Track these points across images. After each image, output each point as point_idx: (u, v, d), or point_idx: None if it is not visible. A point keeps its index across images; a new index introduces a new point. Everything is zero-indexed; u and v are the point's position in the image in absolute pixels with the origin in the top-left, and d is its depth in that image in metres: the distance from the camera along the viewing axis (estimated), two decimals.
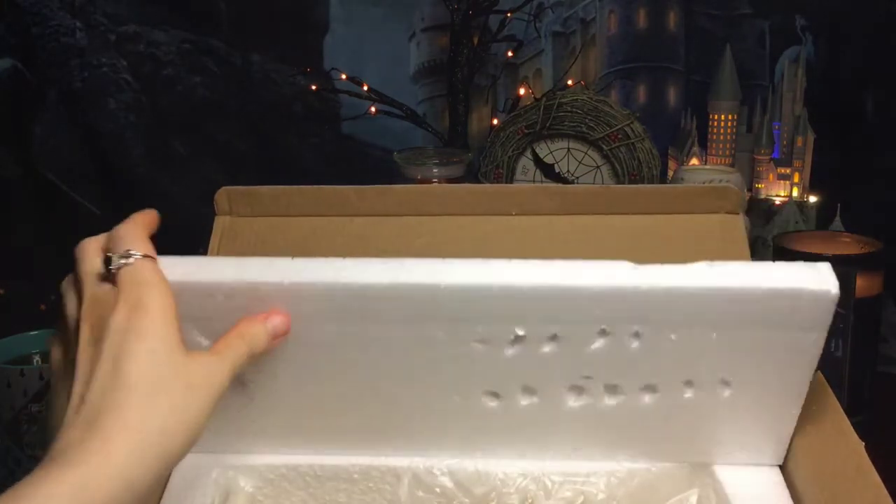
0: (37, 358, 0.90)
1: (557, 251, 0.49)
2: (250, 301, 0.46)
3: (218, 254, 0.59)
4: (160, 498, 0.52)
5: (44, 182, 1.23)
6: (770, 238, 1.11)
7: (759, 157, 1.22)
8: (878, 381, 0.97)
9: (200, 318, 0.46)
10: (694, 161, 1.26)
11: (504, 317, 0.48)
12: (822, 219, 1.17)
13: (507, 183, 1.19)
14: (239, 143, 1.33)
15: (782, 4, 1.24)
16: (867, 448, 0.49)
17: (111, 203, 1.26)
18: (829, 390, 0.53)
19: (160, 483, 0.51)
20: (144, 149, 1.28)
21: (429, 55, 1.35)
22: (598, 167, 1.17)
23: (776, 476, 0.54)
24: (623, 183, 1.14)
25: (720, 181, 1.09)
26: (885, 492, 0.46)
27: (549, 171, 1.19)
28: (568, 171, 1.19)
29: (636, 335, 0.49)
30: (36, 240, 1.23)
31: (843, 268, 0.90)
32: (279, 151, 1.34)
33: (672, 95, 1.35)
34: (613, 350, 0.49)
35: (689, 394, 0.51)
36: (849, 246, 0.99)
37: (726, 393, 0.51)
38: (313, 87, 1.30)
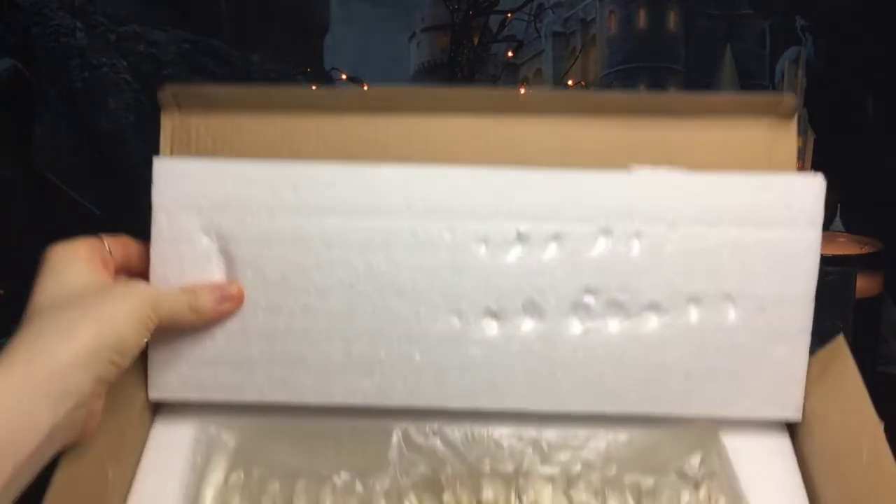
0: None
1: (577, 157, 0.51)
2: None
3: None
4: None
5: (44, 182, 1.23)
6: None
7: None
8: (879, 381, 0.97)
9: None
10: None
11: (505, 211, 0.49)
12: (823, 219, 1.17)
13: None
14: None
15: (782, 5, 1.24)
16: None
17: (110, 203, 1.26)
18: (849, 357, 0.50)
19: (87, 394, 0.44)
20: (144, 148, 1.29)
21: (429, 55, 1.36)
22: None
23: (784, 443, 0.52)
24: None
25: None
26: None
27: None
28: None
29: (637, 235, 0.50)
30: (36, 240, 1.23)
31: (843, 268, 0.91)
32: None
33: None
34: (616, 255, 0.50)
35: (694, 315, 0.50)
36: (849, 246, 0.99)
37: (731, 315, 0.50)
38: (313, 88, 1.30)
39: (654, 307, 0.50)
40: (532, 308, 0.50)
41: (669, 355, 0.50)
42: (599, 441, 0.52)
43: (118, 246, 0.48)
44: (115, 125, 1.22)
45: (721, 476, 0.51)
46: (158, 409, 0.52)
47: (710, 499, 0.51)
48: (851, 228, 1.10)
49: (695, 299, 0.50)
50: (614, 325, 0.50)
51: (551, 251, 0.50)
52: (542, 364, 0.51)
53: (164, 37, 1.26)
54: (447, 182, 0.50)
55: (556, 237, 0.50)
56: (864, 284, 0.94)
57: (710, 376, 0.51)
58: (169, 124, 0.53)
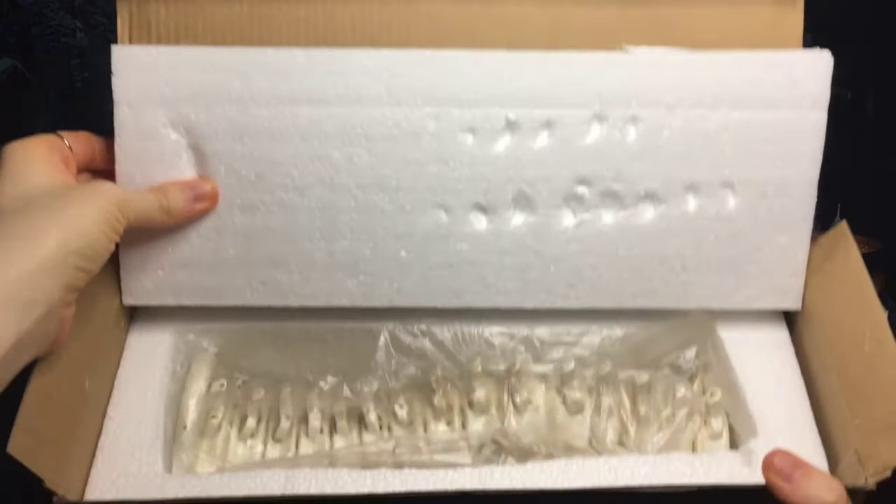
0: None
1: (562, 40, 0.48)
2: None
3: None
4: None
5: None
6: None
7: None
8: None
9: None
10: None
11: (494, 97, 0.47)
12: (823, 219, 1.16)
13: None
14: None
15: None
16: None
17: None
18: (852, 243, 0.49)
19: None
20: None
21: None
22: None
23: (783, 334, 0.51)
24: None
25: None
26: None
27: None
28: None
29: (633, 121, 0.47)
30: None
31: None
32: None
33: None
34: (611, 142, 0.47)
35: (692, 204, 0.48)
36: None
37: (731, 203, 0.48)
38: None
39: (651, 196, 0.48)
40: (523, 200, 0.48)
41: (666, 246, 0.49)
42: (593, 337, 0.50)
43: (79, 143, 0.45)
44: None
45: (717, 368, 0.50)
46: (134, 315, 0.50)
47: (704, 391, 0.49)
48: (852, 229, 1.08)
49: (693, 187, 0.48)
50: (609, 217, 0.49)
51: (542, 139, 0.48)
52: (534, 259, 0.49)
53: None
54: (431, 67, 0.47)
55: (548, 124, 0.48)
56: None
57: (708, 267, 0.49)
58: (126, 12, 0.49)
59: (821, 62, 0.47)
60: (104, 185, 0.42)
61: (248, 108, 0.46)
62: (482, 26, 0.49)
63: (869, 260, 0.92)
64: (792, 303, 0.50)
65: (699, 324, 0.50)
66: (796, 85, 0.47)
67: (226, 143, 0.47)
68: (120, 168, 0.46)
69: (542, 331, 0.50)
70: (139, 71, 0.46)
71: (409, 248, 0.48)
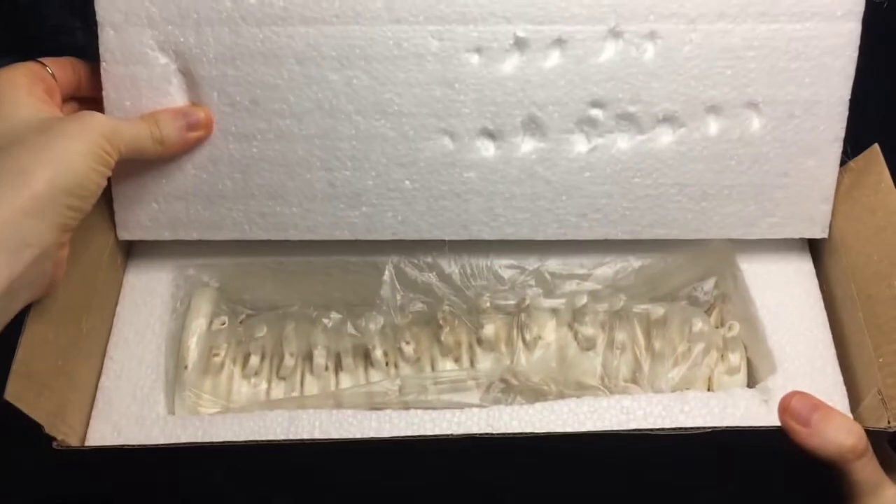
0: None
1: None
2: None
3: None
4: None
5: None
6: None
7: None
8: None
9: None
10: None
11: (501, 12, 0.44)
12: (857, 143, 1.12)
13: None
14: None
15: None
16: None
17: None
18: (884, 168, 0.45)
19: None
20: None
21: None
22: None
23: (806, 264, 0.48)
24: None
25: None
26: None
27: None
28: None
29: (651, 37, 0.44)
30: None
31: None
32: None
33: None
34: (627, 60, 0.44)
35: (713, 127, 0.45)
36: None
37: (755, 125, 0.45)
38: None
39: (669, 119, 0.45)
40: (532, 125, 0.45)
41: (685, 173, 0.46)
42: (606, 270, 0.48)
43: (63, 69, 0.42)
44: None
45: (735, 300, 0.48)
46: (130, 251, 0.48)
47: (722, 323, 0.47)
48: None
49: (715, 109, 0.45)
50: (624, 142, 0.46)
51: (553, 59, 0.44)
52: (545, 187, 0.46)
53: None
54: None
55: (559, 42, 0.44)
56: None
57: (730, 195, 0.46)
58: None
59: None
60: (91, 116, 0.39)
61: (239, 28, 0.43)
62: None
63: None
64: (818, 231, 0.47)
65: (718, 254, 0.48)
66: (827, 6, 0.44)
67: (217, 66, 0.44)
68: (107, 95, 0.44)
69: (554, 263, 0.48)
70: None
71: (414, 178, 0.46)
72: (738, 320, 0.47)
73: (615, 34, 0.44)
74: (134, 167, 0.45)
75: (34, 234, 0.35)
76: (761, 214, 0.47)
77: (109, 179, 0.41)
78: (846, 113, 0.45)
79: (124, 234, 0.46)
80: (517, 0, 0.44)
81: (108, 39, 0.43)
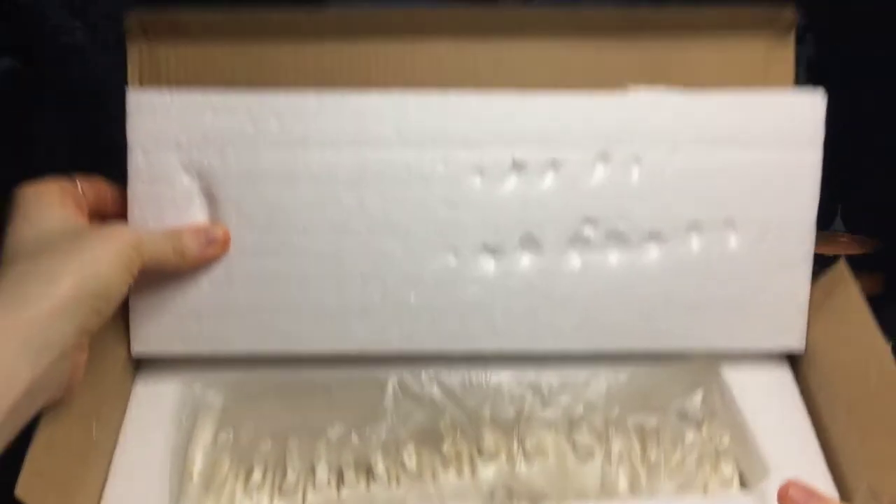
0: None
1: (565, 79, 0.49)
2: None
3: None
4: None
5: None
6: None
7: None
8: None
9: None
10: None
11: (501, 137, 0.48)
12: (823, 219, 1.15)
13: None
14: None
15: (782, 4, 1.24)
16: None
17: None
18: (852, 282, 0.49)
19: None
20: None
21: None
22: None
23: (786, 374, 0.51)
24: None
25: None
26: None
27: None
28: None
29: (636, 160, 0.48)
30: None
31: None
32: None
33: None
34: (615, 181, 0.48)
35: (695, 244, 0.49)
36: (849, 246, 0.98)
37: (733, 242, 0.49)
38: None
39: (655, 236, 0.49)
40: (530, 242, 0.49)
41: (671, 287, 0.49)
42: (600, 381, 0.50)
43: (92, 188, 0.45)
44: (114, 125, 1.21)
45: (723, 413, 0.50)
46: (140, 363, 0.50)
47: (713, 438, 0.49)
48: (852, 229, 1.08)
49: (696, 227, 0.49)
50: (614, 257, 0.49)
51: (548, 180, 0.48)
52: (542, 301, 0.49)
53: None
54: (440, 109, 0.48)
55: (554, 165, 0.48)
56: (865, 285, 0.92)
57: (712, 308, 0.49)
58: (136, 55, 0.49)
59: (814, 102, 0.49)
60: (119, 227, 0.43)
61: (259, 151, 0.47)
62: (487, 68, 0.50)
63: (869, 260, 0.92)
64: (796, 343, 0.50)
65: (704, 368, 0.51)
66: (791, 125, 0.49)
67: (237, 187, 0.47)
68: (133, 212, 0.46)
69: (550, 375, 0.50)
70: (153, 115, 0.47)
71: (419, 293, 0.48)
72: (727, 431, 0.49)
73: (604, 158, 0.48)
74: (152, 283, 0.47)
75: (58, 336, 0.37)
76: (742, 327, 0.50)
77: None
78: (814, 232, 0.50)
79: (139, 348, 0.48)
80: (515, 126, 0.48)
81: (137, 161, 0.47)
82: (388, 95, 0.47)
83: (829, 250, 0.94)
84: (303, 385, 0.50)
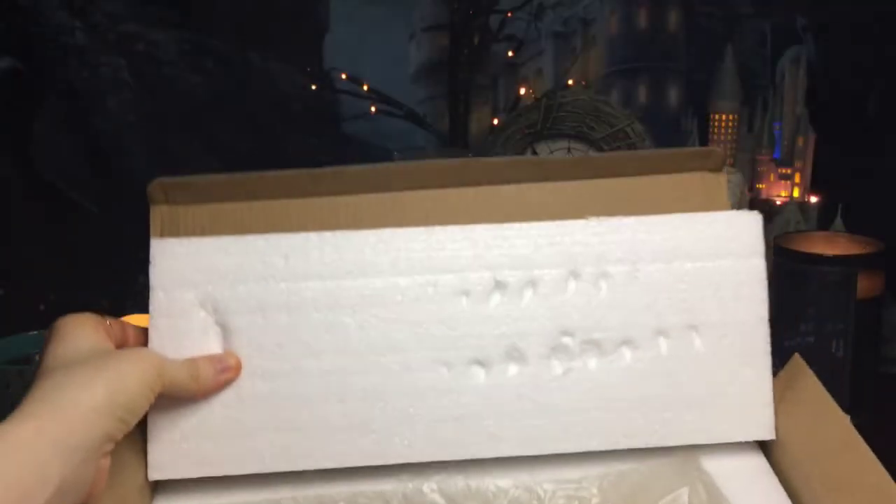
0: (36, 358, 0.90)
1: (534, 215, 0.56)
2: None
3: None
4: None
5: (43, 182, 1.22)
6: (770, 239, 1.11)
7: (760, 158, 1.22)
8: (880, 382, 0.96)
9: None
10: None
11: (483, 262, 0.54)
12: (823, 219, 1.16)
13: None
14: (239, 143, 1.32)
15: (783, 4, 1.24)
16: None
17: (110, 203, 1.26)
18: (809, 371, 0.54)
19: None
20: (144, 148, 1.28)
21: (429, 55, 1.35)
22: None
23: (762, 462, 0.55)
24: None
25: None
26: (875, 461, 0.47)
27: None
28: None
29: (604, 276, 0.54)
30: (35, 240, 1.23)
31: (844, 268, 0.91)
32: (279, 151, 1.34)
33: (672, 95, 1.34)
34: (587, 296, 0.54)
35: (663, 347, 0.54)
36: (850, 246, 0.99)
37: (697, 344, 0.54)
38: (313, 87, 1.30)
39: (627, 342, 0.54)
40: (515, 353, 0.54)
41: (646, 387, 0.54)
42: (592, 481, 0.54)
43: (117, 325, 0.51)
44: (114, 125, 1.22)
45: (709, 501, 0.53)
46: (158, 485, 0.53)
47: None
48: (852, 229, 1.09)
49: (663, 332, 0.54)
50: (592, 363, 0.54)
51: (528, 296, 0.54)
52: (530, 406, 0.54)
53: (164, 36, 1.25)
54: (427, 241, 0.54)
55: (531, 283, 0.54)
56: (866, 285, 0.93)
57: (686, 404, 0.54)
58: (158, 217, 0.56)
59: (753, 219, 0.56)
60: (146, 350, 0.50)
61: (268, 284, 0.52)
62: (466, 209, 0.57)
63: (870, 260, 0.94)
64: (765, 433, 0.55)
65: (685, 464, 0.54)
66: (735, 239, 0.55)
67: (248, 318, 0.52)
68: (152, 343, 0.52)
69: (544, 476, 0.54)
70: (173, 259, 0.52)
71: (416, 405, 0.53)
72: None
73: (575, 275, 0.54)
74: (168, 410, 0.51)
75: (87, 439, 0.42)
76: (715, 421, 0.55)
77: (146, 420, 0.49)
78: (768, 329, 0.55)
79: (155, 475, 0.52)
80: (495, 252, 0.54)
81: (158, 300, 0.52)
82: (381, 232, 0.53)
83: (830, 250, 0.96)
84: (312, 500, 0.53)
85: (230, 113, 1.31)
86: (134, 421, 0.45)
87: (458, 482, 0.53)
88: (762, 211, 1.31)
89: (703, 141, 1.26)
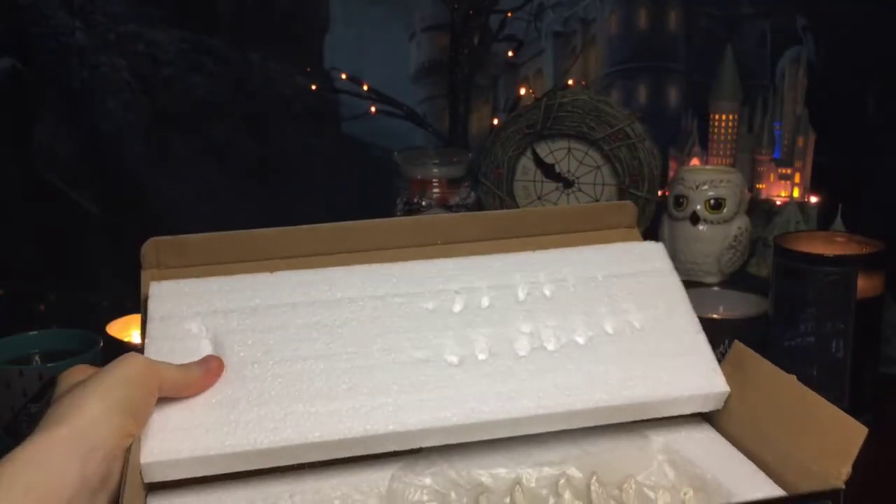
0: (36, 358, 0.90)
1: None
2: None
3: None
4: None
5: (43, 182, 1.23)
6: (770, 239, 1.11)
7: (760, 158, 1.23)
8: (880, 381, 0.97)
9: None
10: (695, 161, 1.26)
11: (441, 280, 0.63)
12: (823, 219, 1.17)
13: (508, 181, 1.20)
14: (238, 144, 1.33)
15: (783, 4, 1.24)
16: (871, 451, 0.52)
17: (110, 203, 1.26)
18: (751, 351, 0.60)
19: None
20: (143, 148, 1.28)
21: (429, 55, 1.36)
22: (598, 167, 1.18)
23: (712, 431, 0.61)
24: (623, 183, 1.16)
25: (721, 182, 1.10)
26: (826, 403, 0.53)
27: (549, 172, 1.20)
28: (568, 171, 1.19)
29: (549, 284, 0.64)
30: (35, 240, 1.23)
31: (845, 268, 0.91)
32: (279, 151, 1.34)
33: (672, 95, 1.35)
34: (536, 297, 0.63)
35: (610, 328, 0.62)
36: (850, 246, 0.99)
37: (641, 331, 0.62)
38: (313, 87, 1.31)
39: (578, 330, 0.61)
40: (482, 345, 0.59)
41: (600, 360, 0.60)
42: (572, 461, 0.58)
43: None
44: (114, 125, 1.22)
45: (680, 475, 0.58)
46: (151, 486, 0.53)
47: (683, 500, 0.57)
48: (852, 229, 1.09)
49: (608, 323, 0.62)
50: (551, 346, 0.60)
51: (486, 301, 0.62)
52: (501, 381, 0.58)
53: (164, 36, 1.26)
54: (392, 270, 0.63)
55: (487, 291, 0.63)
56: (866, 284, 0.94)
57: (639, 379, 0.59)
58: (149, 277, 0.62)
59: (658, 248, 0.69)
60: (139, 354, 0.52)
61: (257, 311, 0.60)
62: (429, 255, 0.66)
63: (870, 260, 0.94)
64: (713, 404, 0.61)
65: (646, 443, 0.60)
66: (648, 260, 0.67)
67: (239, 334, 0.58)
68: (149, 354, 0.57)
69: (528, 461, 0.58)
70: (169, 296, 0.60)
71: (399, 381, 0.57)
72: (691, 488, 0.57)
73: (524, 285, 0.64)
74: (160, 405, 0.53)
75: (101, 439, 0.47)
76: (669, 396, 0.60)
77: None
78: (692, 314, 0.64)
79: (147, 458, 0.52)
80: (447, 274, 0.64)
81: (154, 327, 0.58)
82: (352, 267, 0.63)
83: (829, 250, 0.96)
84: (305, 499, 0.55)
85: (230, 113, 1.32)
86: (144, 415, 0.50)
87: (449, 474, 0.56)
88: (762, 211, 1.31)
89: (704, 141, 1.27)
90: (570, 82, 1.28)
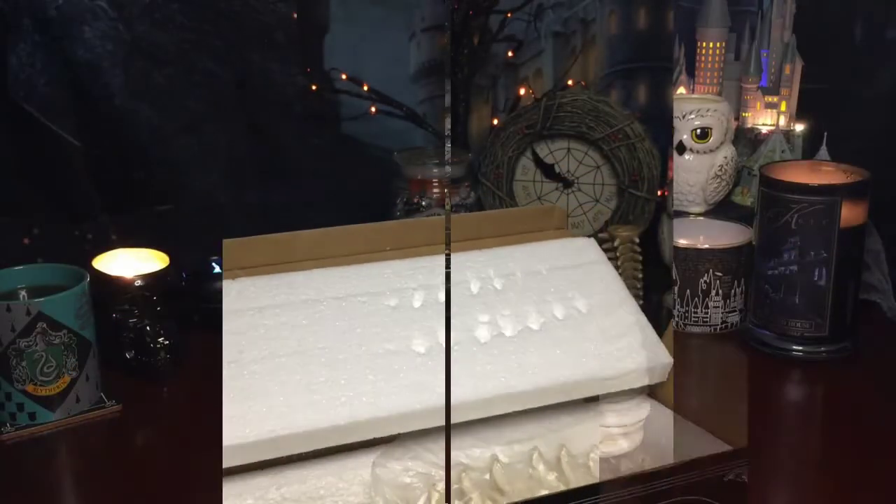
0: (23, 293, 0.90)
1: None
2: None
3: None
4: None
5: (22, 113, 1.21)
6: (756, 168, 1.11)
7: (747, 86, 1.22)
8: (860, 309, 0.98)
9: None
10: (681, 90, 1.26)
11: (407, 278, 0.69)
12: (809, 148, 1.17)
13: (507, 181, 1.21)
14: (238, 144, 1.31)
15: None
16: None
17: (91, 135, 1.25)
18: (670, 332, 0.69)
19: None
20: (123, 79, 1.26)
21: (429, 55, 1.35)
22: (598, 167, 1.20)
23: (653, 404, 0.69)
24: (623, 183, 1.17)
25: (707, 111, 1.10)
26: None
27: (549, 172, 1.22)
28: (568, 171, 1.21)
29: (500, 277, 0.70)
30: (17, 173, 1.21)
31: (829, 198, 0.92)
32: (279, 151, 1.33)
33: (672, 95, 1.34)
34: (488, 290, 0.69)
35: (560, 314, 0.69)
36: (834, 175, 1.00)
37: (585, 316, 0.69)
38: (313, 87, 1.30)
39: (532, 316, 0.67)
40: (443, 333, 0.63)
41: (558, 348, 0.66)
42: (540, 437, 0.63)
43: None
44: (92, 54, 1.19)
45: (635, 443, 0.66)
46: None
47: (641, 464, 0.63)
48: (837, 157, 1.09)
49: (557, 309, 0.68)
50: (509, 331, 0.66)
51: (443, 296, 0.65)
52: (465, 370, 0.63)
53: (165, 36, 1.23)
54: (354, 273, 0.69)
55: (443, 288, 0.66)
56: (849, 214, 0.94)
57: (593, 357, 0.66)
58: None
59: (590, 242, 0.79)
60: None
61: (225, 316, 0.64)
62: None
63: (854, 189, 0.94)
64: (659, 377, 0.68)
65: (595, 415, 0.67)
66: (584, 253, 0.76)
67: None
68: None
69: (501, 440, 0.63)
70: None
71: (375, 370, 0.62)
72: (647, 454, 0.66)
73: (476, 279, 0.71)
74: None
75: None
76: (623, 370, 0.67)
77: None
78: (633, 303, 0.73)
79: None
80: (408, 273, 0.71)
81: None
82: (311, 272, 0.68)
83: (814, 179, 0.96)
84: (292, 494, 0.58)
85: (230, 113, 1.30)
86: None
87: (428, 457, 0.59)
88: (747, 140, 1.31)
89: (691, 70, 1.26)
90: (570, 82, 1.30)
